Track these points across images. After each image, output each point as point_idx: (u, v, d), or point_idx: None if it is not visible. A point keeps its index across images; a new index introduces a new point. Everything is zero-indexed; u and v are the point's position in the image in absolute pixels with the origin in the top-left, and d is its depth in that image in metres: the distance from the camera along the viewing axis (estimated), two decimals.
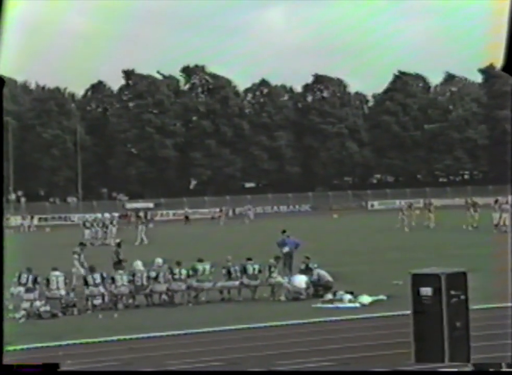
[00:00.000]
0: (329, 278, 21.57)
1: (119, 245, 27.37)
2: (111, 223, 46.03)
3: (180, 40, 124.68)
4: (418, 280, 12.44)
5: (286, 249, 25.64)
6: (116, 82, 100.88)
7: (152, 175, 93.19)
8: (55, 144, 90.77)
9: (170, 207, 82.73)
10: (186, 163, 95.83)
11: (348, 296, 20.03)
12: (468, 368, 11.62)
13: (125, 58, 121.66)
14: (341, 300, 19.94)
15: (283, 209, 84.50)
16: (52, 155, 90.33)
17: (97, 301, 20.81)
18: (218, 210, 73.78)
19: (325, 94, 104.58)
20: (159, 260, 22.28)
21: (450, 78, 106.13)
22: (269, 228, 43.21)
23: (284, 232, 27.26)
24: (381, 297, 19.99)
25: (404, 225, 47.45)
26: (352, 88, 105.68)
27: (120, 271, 21.37)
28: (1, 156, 8.92)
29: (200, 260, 22.39)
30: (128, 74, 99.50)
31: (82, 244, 26.29)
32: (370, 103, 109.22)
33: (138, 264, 21.93)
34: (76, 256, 24.62)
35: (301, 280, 21.24)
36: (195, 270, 21.71)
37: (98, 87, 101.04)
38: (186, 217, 70.25)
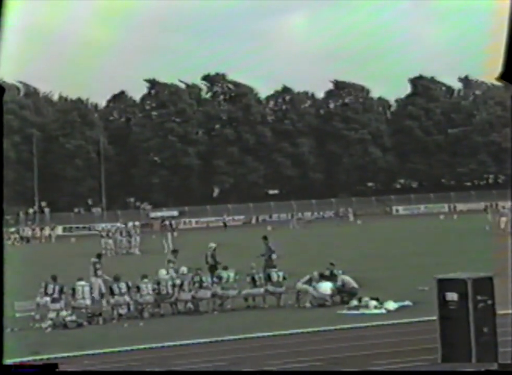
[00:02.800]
0: (354, 284, 21.48)
1: (215, 252, 26.72)
2: (135, 232, 46.19)
3: (201, 47, 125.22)
4: (444, 285, 12.36)
5: (275, 256, 25.57)
6: (138, 91, 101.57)
7: (175, 183, 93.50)
8: (78, 154, 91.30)
9: (193, 215, 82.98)
10: (209, 171, 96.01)
11: (374, 302, 19.93)
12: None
13: (147, 66, 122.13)
14: (366, 306, 19.85)
15: (306, 215, 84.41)
16: (75, 166, 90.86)
17: (123, 310, 20.91)
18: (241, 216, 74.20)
19: (347, 100, 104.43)
20: (183, 269, 22.34)
21: (472, 82, 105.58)
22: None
23: (265, 238, 27.09)
24: (407, 302, 19.89)
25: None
26: (375, 93, 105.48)
27: (145, 280, 21.44)
28: (1, 159, 9.12)
29: (225, 268, 22.44)
30: (150, 83, 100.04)
31: (99, 255, 26.31)
32: (393, 108, 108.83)
33: (163, 273, 22.01)
34: (93, 267, 24.67)
35: (326, 287, 21.18)
36: (219, 278, 21.75)
37: (120, 97, 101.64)
38: (224, 224, 70.90)
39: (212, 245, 25.68)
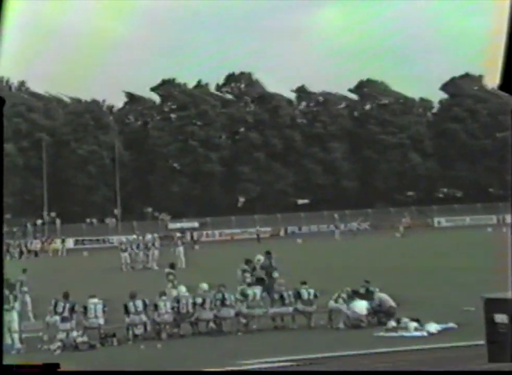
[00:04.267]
0: (392, 303, 21.31)
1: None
2: (153, 245, 46.27)
3: (225, 45, 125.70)
4: (492, 306, 12.21)
5: (276, 274, 25.45)
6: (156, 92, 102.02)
7: (196, 192, 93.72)
8: (91, 160, 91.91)
9: (216, 226, 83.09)
10: (233, 178, 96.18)
11: (414, 324, 19.75)
12: None
13: (166, 66, 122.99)
14: (405, 328, 19.68)
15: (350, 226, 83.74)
16: (88, 173, 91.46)
17: (139, 331, 20.90)
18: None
19: (384, 101, 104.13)
20: (204, 285, 22.29)
21: None
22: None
23: (268, 253, 26.97)
24: (451, 324, 19.69)
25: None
26: (415, 93, 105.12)
27: (163, 297, 21.43)
28: (1, 162, 9.34)
29: (249, 285, 22.35)
30: (169, 83, 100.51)
31: (172, 265, 26.39)
32: (435, 110, 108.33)
33: (183, 290, 21.99)
34: (167, 278, 24.89)
35: (361, 306, 21.02)
36: (244, 295, 21.67)
37: (137, 98, 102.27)
38: (257, 237, 71.08)
39: (261, 257, 25.68)
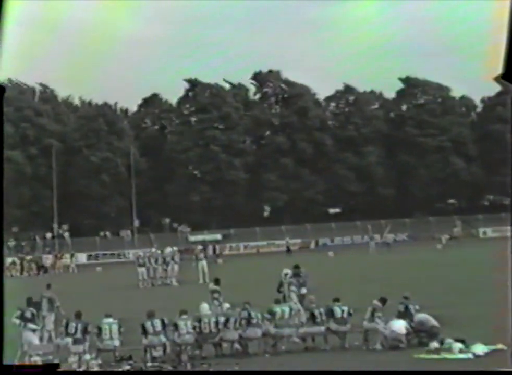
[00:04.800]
0: (434, 322, 21.17)
1: None
2: (173, 259, 46.36)
3: (251, 42, 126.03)
4: None
5: (304, 290, 25.35)
6: (174, 94, 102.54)
7: (218, 201, 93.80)
8: (104, 168, 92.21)
9: (240, 238, 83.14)
10: (258, 186, 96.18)
11: (458, 345, 19.61)
12: None
13: (185, 64, 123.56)
14: (449, 349, 19.54)
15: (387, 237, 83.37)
16: (102, 182, 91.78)
17: (157, 353, 20.89)
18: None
19: (423, 101, 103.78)
20: (227, 305, 22.31)
21: None
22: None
23: (297, 267, 26.85)
24: (500, 346, 19.49)
25: None
26: (456, 92, 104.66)
27: (184, 316, 21.42)
28: (1, 165, 9.50)
29: (277, 301, 22.30)
30: (189, 84, 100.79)
31: (217, 280, 26.27)
32: (479, 109, 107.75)
33: (205, 308, 21.97)
34: (211, 295, 24.88)
35: (400, 325, 20.90)
36: (272, 314, 21.61)
37: (153, 101, 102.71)
38: (288, 249, 71.03)
39: (288, 271, 25.66)
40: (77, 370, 19.71)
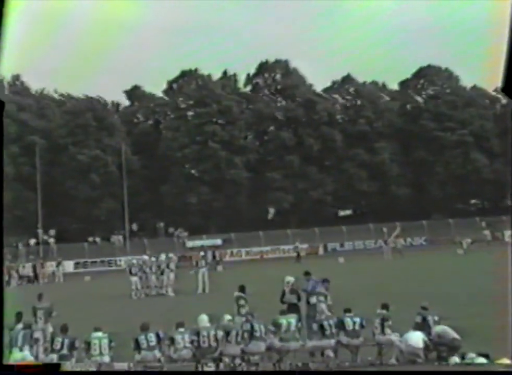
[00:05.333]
0: (455, 335, 21.13)
1: None
2: (168, 267, 46.37)
3: (256, 29, 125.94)
4: None
5: (314, 300, 25.33)
6: (169, 86, 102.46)
7: (218, 203, 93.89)
8: (93, 168, 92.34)
9: (242, 243, 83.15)
10: (261, 186, 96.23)
11: (482, 360, 19.60)
12: None
13: (182, 54, 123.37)
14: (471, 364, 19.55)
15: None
16: (90, 182, 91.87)
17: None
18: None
19: (441, 91, 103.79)
20: (228, 316, 22.26)
21: None
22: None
23: (308, 274, 26.85)
24: None
25: None
26: (478, 82, 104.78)
27: (181, 329, 21.39)
28: (1, 167, 9.70)
29: (282, 313, 22.28)
30: (186, 75, 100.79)
31: (242, 288, 26.14)
32: (504, 101, 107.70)
33: (204, 320, 21.93)
34: (236, 303, 24.89)
35: (417, 338, 20.87)
36: (277, 326, 21.59)
37: (146, 94, 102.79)
38: (298, 254, 71.04)
39: (290, 279, 25.66)
40: (79, 369, 19.77)
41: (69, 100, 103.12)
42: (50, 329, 23.76)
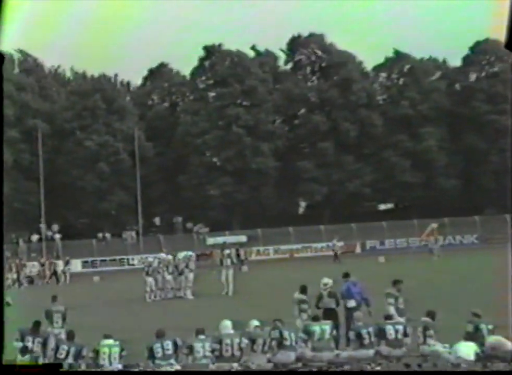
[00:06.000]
0: (511, 346, 21.05)
1: None
2: (187, 266, 46.40)
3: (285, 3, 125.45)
4: None
5: (352, 303, 25.23)
6: (188, 64, 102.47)
7: (243, 195, 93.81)
8: (103, 156, 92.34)
9: (270, 241, 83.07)
10: (291, 177, 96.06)
11: None
12: None
13: (200, 28, 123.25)
14: None
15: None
16: (99, 172, 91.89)
17: None
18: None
19: (497, 68, 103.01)
20: (254, 322, 22.21)
21: None
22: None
23: (347, 275, 26.74)
24: None
25: None
26: None
27: (201, 336, 21.39)
28: (1, 163, 9.74)
29: (315, 319, 22.25)
30: (209, 51, 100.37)
31: (304, 288, 25.99)
32: None
33: (227, 326, 21.93)
34: (297, 306, 24.93)
35: (468, 348, 20.79)
36: (309, 333, 21.57)
37: (162, 72, 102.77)
38: (335, 254, 70.95)
39: (328, 280, 25.56)
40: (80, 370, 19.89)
41: (76, 80, 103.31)
42: (63, 335, 23.88)
